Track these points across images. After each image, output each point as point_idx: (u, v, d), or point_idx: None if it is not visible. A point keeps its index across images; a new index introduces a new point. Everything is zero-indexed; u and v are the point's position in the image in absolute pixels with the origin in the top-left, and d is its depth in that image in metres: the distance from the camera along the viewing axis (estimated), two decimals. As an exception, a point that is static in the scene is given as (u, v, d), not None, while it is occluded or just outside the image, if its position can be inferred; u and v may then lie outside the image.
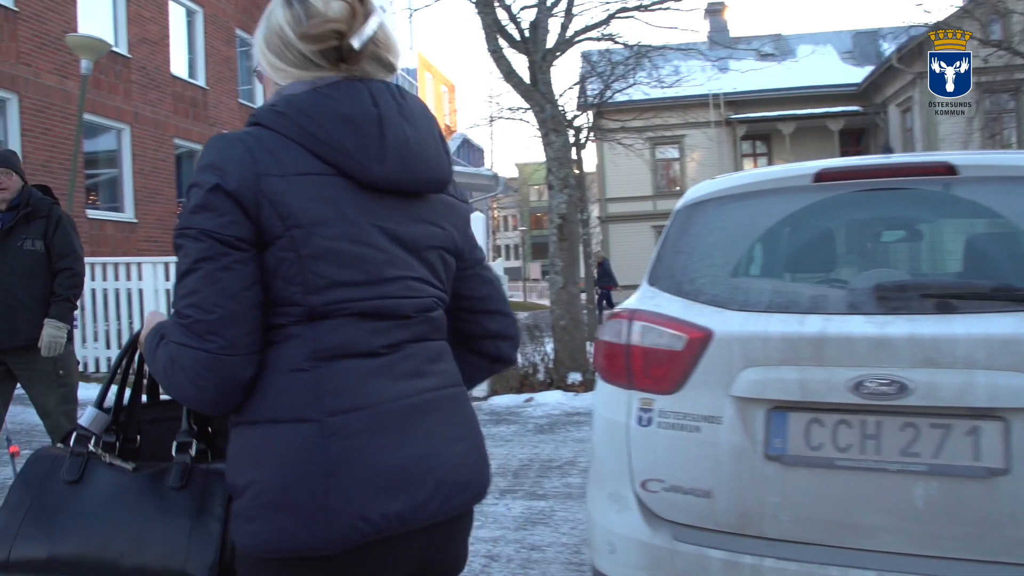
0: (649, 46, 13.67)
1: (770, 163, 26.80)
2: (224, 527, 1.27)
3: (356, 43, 1.24)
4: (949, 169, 2.12)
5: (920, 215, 2.51)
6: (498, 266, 11.86)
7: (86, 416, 1.45)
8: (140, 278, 9.95)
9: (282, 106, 1.22)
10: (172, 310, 1.20)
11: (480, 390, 8.56)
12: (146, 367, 1.45)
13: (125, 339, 9.03)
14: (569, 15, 10.19)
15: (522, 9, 10.08)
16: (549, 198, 9.46)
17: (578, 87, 17.71)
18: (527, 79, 9.52)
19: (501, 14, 9.63)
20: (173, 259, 1.29)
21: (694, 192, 2.52)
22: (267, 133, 1.21)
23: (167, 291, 9.76)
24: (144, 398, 1.56)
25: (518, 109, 16.55)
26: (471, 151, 36.16)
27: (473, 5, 9.35)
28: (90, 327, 10.03)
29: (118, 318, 9.95)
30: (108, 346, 10.07)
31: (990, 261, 2.27)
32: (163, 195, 15.52)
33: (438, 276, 1.33)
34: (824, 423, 1.98)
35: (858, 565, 1.91)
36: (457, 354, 1.43)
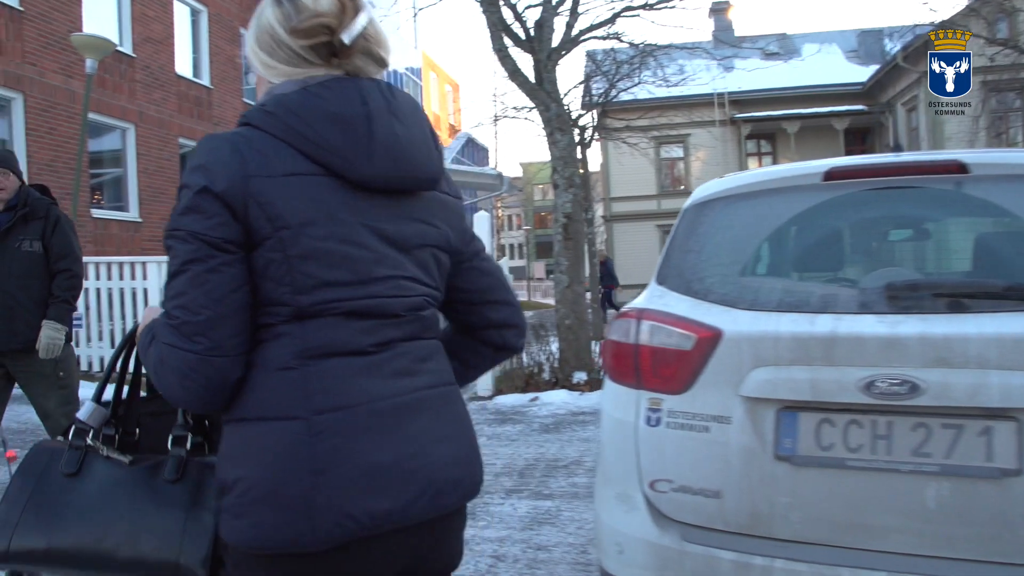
0: (654, 45, 13.64)
1: (775, 162, 26.75)
2: (218, 520, 1.29)
3: (346, 38, 1.25)
4: (960, 168, 2.11)
5: (931, 214, 2.49)
6: (502, 265, 11.85)
7: (84, 410, 1.48)
8: (144, 277, 9.96)
9: (271, 106, 1.23)
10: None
11: (485, 389, 8.55)
12: None
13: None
14: (574, 14, 10.15)
15: (527, 8, 10.05)
16: (554, 197, 9.44)
17: (583, 86, 17.69)
18: (532, 78, 9.51)
19: (506, 13, 9.62)
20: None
21: (703, 191, 2.51)
22: (256, 133, 1.22)
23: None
24: (143, 392, 1.58)
25: (523, 108, 16.54)
26: (475, 150, 36.15)
27: (478, 4, 9.34)
28: (95, 326, 10.06)
29: (123, 317, 9.97)
30: (112, 345, 10.07)
31: (1002, 260, 2.25)
32: (167, 194, 15.52)
33: (430, 274, 1.34)
34: (835, 423, 1.97)
35: (869, 566, 1.90)
36: (463, 343, 1.47)
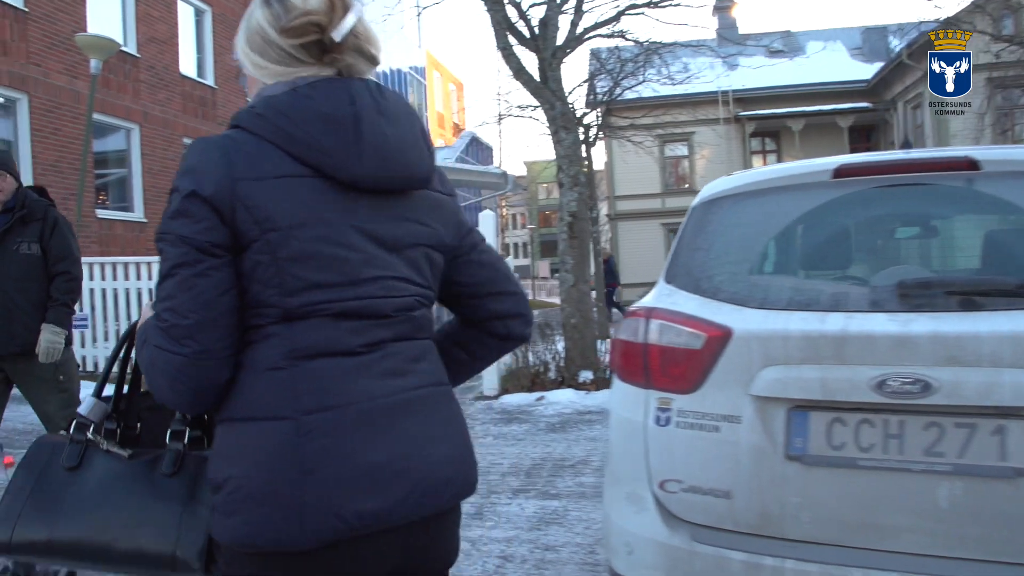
0: (658, 43, 13.63)
1: (779, 160, 26.69)
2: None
3: (336, 36, 1.25)
4: (972, 164, 2.09)
5: (942, 211, 2.48)
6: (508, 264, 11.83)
7: (85, 405, 1.50)
8: (150, 277, 9.97)
9: (260, 107, 1.24)
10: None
11: (491, 389, 8.55)
12: None
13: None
14: (579, 12, 10.14)
15: (531, 6, 10.04)
16: (559, 196, 9.43)
17: (587, 84, 17.67)
18: (536, 77, 9.50)
19: (510, 11, 9.62)
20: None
21: (711, 188, 2.49)
22: (245, 136, 1.22)
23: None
24: (143, 387, 1.58)
25: (527, 107, 16.56)
26: (480, 149, 36.16)
27: (482, 2, 9.33)
28: (100, 326, 10.08)
29: (128, 317, 9.99)
30: (118, 345, 10.09)
31: (1015, 258, 2.23)
32: (172, 195, 15.53)
33: (422, 274, 1.34)
34: (846, 422, 1.95)
35: (880, 567, 1.88)
36: (469, 335, 1.49)
